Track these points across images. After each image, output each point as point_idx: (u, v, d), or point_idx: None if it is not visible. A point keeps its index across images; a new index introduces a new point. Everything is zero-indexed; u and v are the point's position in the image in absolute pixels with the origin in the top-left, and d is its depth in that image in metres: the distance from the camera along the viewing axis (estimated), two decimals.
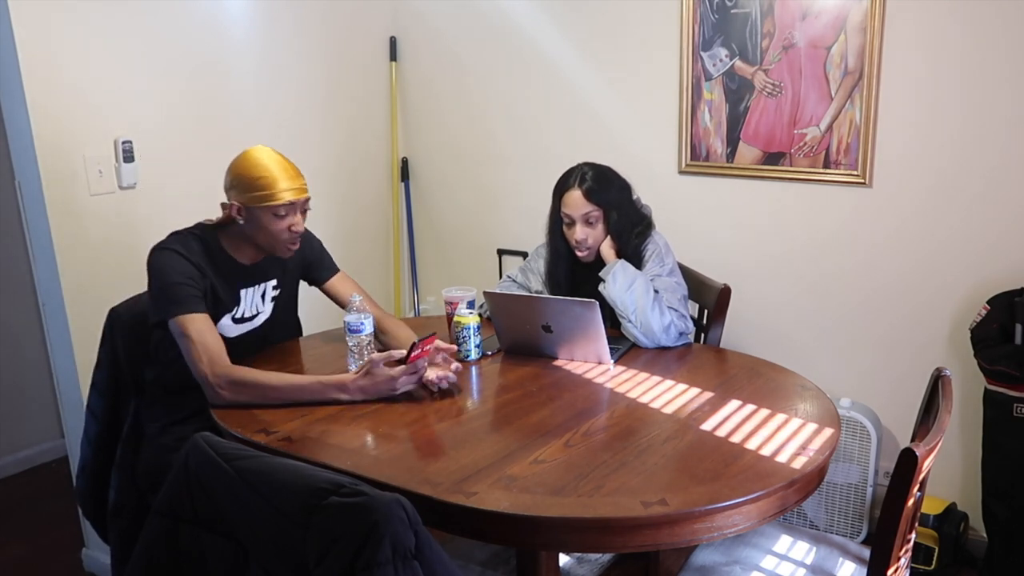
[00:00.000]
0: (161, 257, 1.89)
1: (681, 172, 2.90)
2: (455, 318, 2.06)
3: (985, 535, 2.47)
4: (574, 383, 1.91)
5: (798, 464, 1.48)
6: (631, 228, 2.24)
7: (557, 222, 2.28)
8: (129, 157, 2.51)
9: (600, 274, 2.17)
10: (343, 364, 2.00)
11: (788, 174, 2.69)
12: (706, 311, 2.34)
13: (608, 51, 2.96)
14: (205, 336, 1.83)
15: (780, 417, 1.68)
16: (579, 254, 2.25)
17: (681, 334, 2.14)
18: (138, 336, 2.06)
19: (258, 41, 2.91)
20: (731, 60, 2.70)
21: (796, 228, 2.74)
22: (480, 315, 2.15)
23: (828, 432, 1.61)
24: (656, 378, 1.91)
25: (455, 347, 1.98)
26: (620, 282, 2.11)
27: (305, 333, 2.32)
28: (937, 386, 1.65)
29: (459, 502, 1.38)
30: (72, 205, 2.40)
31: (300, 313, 2.28)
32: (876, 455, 2.59)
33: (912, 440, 1.53)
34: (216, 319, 1.93)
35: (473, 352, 2.05)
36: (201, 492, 1.28)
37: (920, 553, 2.48)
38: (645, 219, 2.29)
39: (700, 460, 1.51)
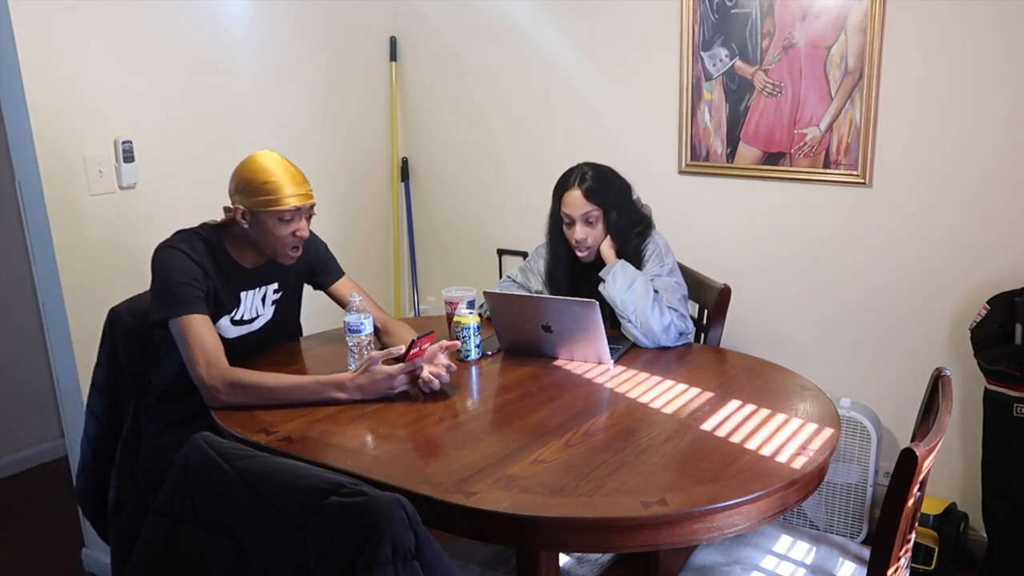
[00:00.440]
0: (166, 255, 1.89)
1: (681, 172, 2.90)
2: (455, 318, 2.06)
3: (985, 535, 2.47)
4: (574, 383, 1.91)
5: (798, 464, 1.48)
6: (631, 228, 2.24)
7: (557, 222, 2.28)
8: (129, 157, 2.51)
9: (600, 274, 2.17)
10: (343, 364, 2.00)
11: (788, 174, 2.69)
12: (706, 311, 2.34)
13: (608, 51, 2.96)
14: (204, 338, 1.83)
15: (780, 417, 1.68)
16: (579, 254, 2.25)
17: (681, 334, 2.14)
18: (138, 336, 2.06)
19: (258, 41, 2.91)
20: (731, 60, 2.70)
21: (796, 228, 2.74)
22: (480, 315, 2.15)
23: (828, 432, 1.61)
24: (656, 378, 1.91)
25: (457, 343, 1.98)
26: (620, 282, 2.11)
27: (305, 333, 2.32)
28: (937, 386, 1.65)
29: (459, 502, 1.38)
30: (72, 205, 2.40)
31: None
32: (876, 455, 2.59)
33: (912, 440, 1.53)
34: (215, 320, 1.93)
35: (473, 352, 2.05)
36: (201, 492, 1.28)
37: (920, 553, 2.48)
38: (645, 219, 2.29)
39: (700, 460, 1.51)
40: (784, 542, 1.85)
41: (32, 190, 2.37)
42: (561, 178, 2.26)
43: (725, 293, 2.27)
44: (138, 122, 2.54)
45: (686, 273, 2.35)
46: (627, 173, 2.29)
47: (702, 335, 2.35)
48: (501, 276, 3.26)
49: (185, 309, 1.84)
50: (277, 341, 2.17)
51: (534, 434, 1.63)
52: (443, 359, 1.87)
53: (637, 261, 2.21)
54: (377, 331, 2.11)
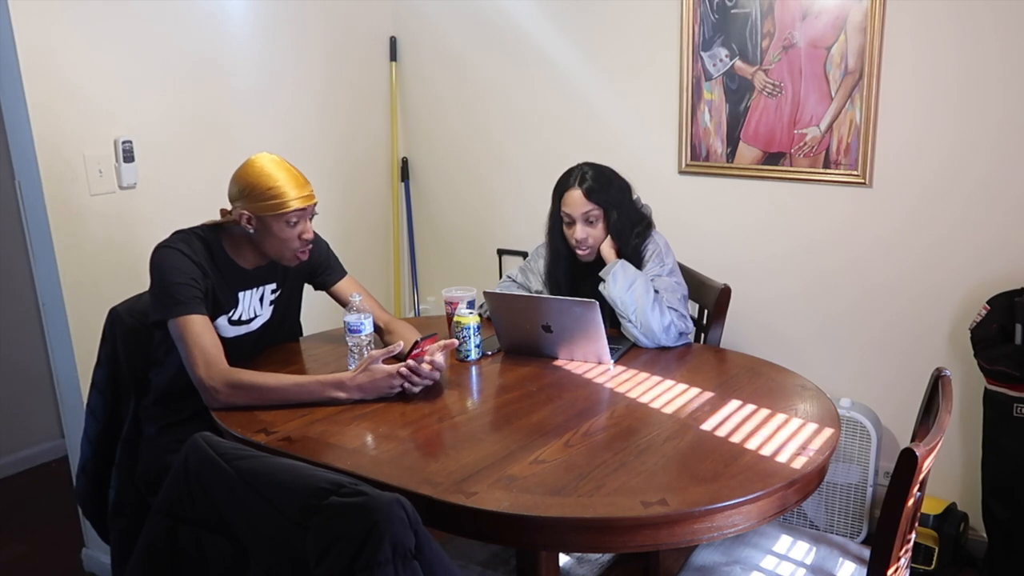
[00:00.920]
0: (165, 255, 1.89)
1: (681, 172, 2.90)
2: (455, 318, 2.06)
3: (985, 535, 2.47)
4: (574, 383, 1.91)
5: (798, 464, 1.48)
6: (631, 228, 2.24)
7: (557, 222, 2.28)
8: (129, 157, 2.51)
9: (600, 274, 2.17)
10: (343, 364, 2.00)
11: (788, 174, 2.69)
12: (706, 311, 2.34)
13: (608, 51, 2.96)
14: (203, 338, 1.82)
15: (780, 417, 1.68)
16: (579, 254, 2.25)
17: (681, 334, 2.14)
18: (138, 336, 2.06)
19: (258, 41, 2.91)
20: (731, 60, 2.70)
21: (796, 228, 2.74)
22: (480, 315, 2.15)
23: (828, 432, 1.61)
24: (656, 378, 1.91)
25: (455, 342, 1.98)
26: (620, 282, 2.11)
27: (305, 333, 2.32)
28: (937, 386, 1.65)
29: (459, 502, 1.38)
30: (72, 205, 2.40)
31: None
32: (876, 455, 2.59)
33: (912, 440, 1.53)
34: (212, 320, 1.92)
35: (473, 352, 2.05)
36: (201, 492, 1.28)
37: (920, 553, 2.48)
38: (645, 219, 2.29)
39: (700, 460, 1.51)
40: (784, 542, 1.85)
41: (32, 190, 2.37)
42: (561, 178, 2.26)
43: (725, 293, 2.27)
44: (138, 122, 2.54)
45: (686, 273, 2.34)
46: (627, 173, 2.29)
47: (702, 335, 2.35)
48: (501, 276, 3.26)
49: (184, 309, 1.84)
50: (275, 341, 2.17)
51: (534, 434, 1.63)
52: (439, 357, 1.84)
53: (637, 261, 2.20)
54: (380, 331, 2.11)
